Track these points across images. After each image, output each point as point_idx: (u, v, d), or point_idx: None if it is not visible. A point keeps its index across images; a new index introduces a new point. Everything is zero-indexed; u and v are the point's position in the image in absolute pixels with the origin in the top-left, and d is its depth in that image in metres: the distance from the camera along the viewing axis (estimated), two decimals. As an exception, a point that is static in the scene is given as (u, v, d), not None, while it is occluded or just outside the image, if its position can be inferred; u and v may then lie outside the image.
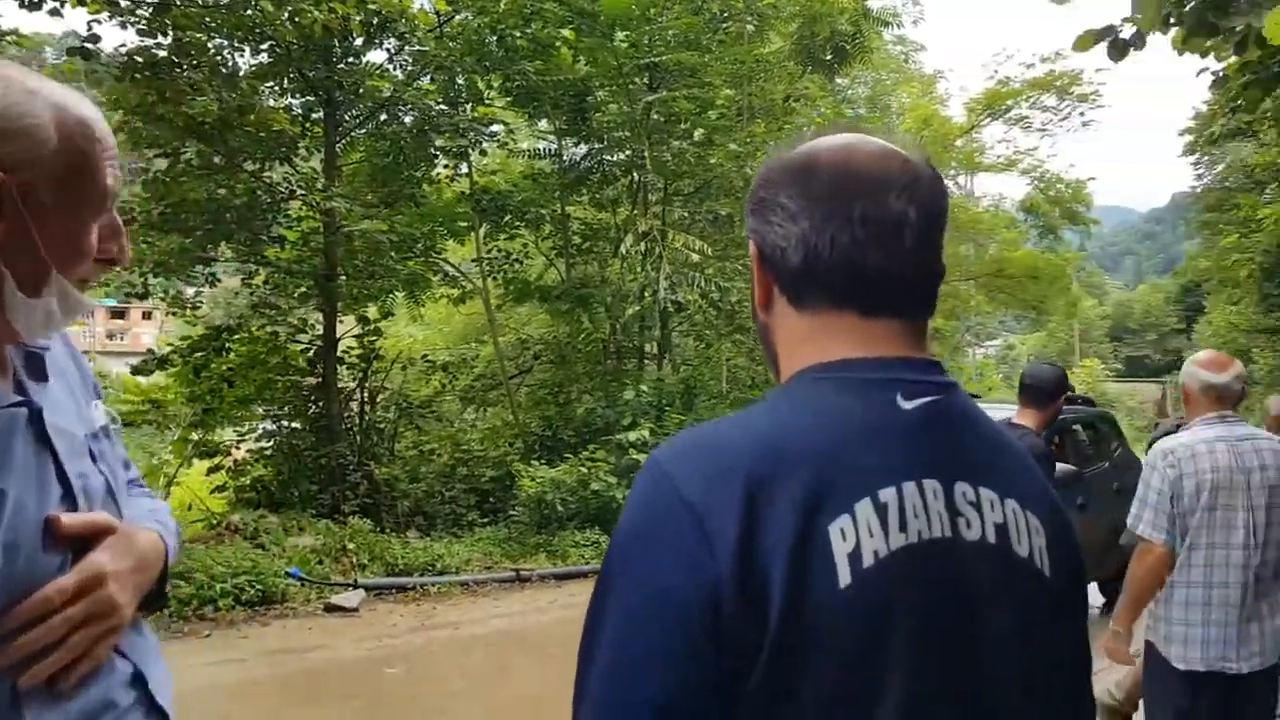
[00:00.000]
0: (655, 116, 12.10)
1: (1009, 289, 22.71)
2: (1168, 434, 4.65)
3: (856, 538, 0.79)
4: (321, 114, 10.92)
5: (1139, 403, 52.50)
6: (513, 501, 10.61)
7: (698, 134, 12.17)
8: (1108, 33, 4.29)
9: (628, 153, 12.49)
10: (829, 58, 16.49)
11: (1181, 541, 3.00)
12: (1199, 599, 2.97)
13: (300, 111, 10.94)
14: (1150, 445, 4.93)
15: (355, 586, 7.94)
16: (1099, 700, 3.81)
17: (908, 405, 0.87)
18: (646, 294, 11.80)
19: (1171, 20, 5.68)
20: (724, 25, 13.34)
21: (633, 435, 10.44)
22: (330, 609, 7.54)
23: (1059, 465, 5.15)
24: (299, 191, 9.96)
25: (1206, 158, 41.84)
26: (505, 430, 12.60)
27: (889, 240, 0.88)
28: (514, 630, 7.41)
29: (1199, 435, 3.08)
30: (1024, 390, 3.98)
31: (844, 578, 0.78)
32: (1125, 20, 4.31)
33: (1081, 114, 21.24)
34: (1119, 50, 4.41)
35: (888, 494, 0.82)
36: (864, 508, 0.80)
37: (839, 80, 19.58)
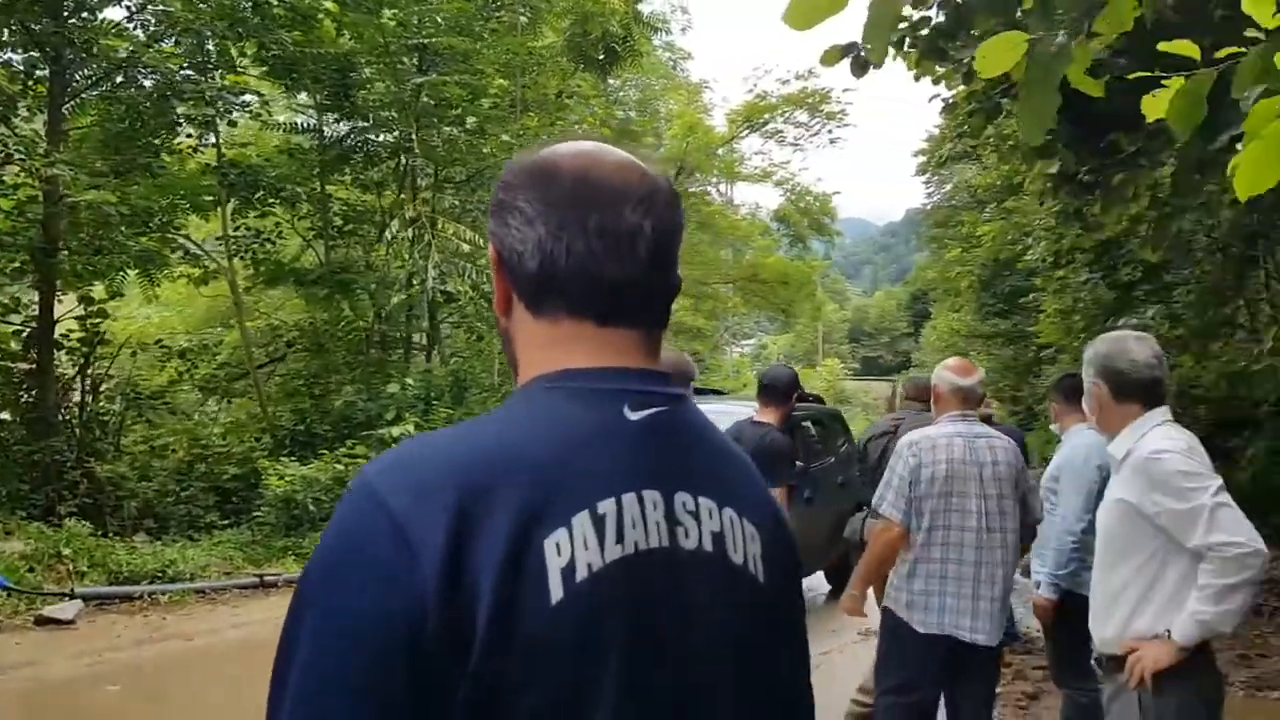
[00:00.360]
0: (425, 100, 11.68)
1: (762, 293, 24.11)
2: (884, 433, 5.00)
3: (571, 551, 0.77)
4: (47, 72, 9.87)
5: (873, 399, 57.34)
6: (258, 501, 9.89)
7: (470, 121, 11.88)
8: (851, 49, 4.51)
9: (395, 134, 11.98)
10: (601, 58, 16.68)
11: (920, 523, 3.34)
12: (938, 573, 3.33)
13: (21, 68, 9.90)
14: (864, 442, 5.30)
15: (71, 596, 7.09)
16: (848, 714, 4.31)
17: (634, 416, 0.86)
18: (415, 282, 11.39)
19: (907, 45, 6.17)
20: (497, 14, 13.12)
21: (396, 430, 10.04)
22: (42, 622, 6.73)
23: None
24: (17, 155, 8.90)
25: (936, 177, 46.20)
26: (251, 424, 11.75)
27: (624, 252, 0.88)
28: (255, 641, 6.85)
29: (942, 430, 3.47)
30: (763, 390, 4.36)
31: (555, 593, 0.76)
32: (864, 41, 4.58)
33: (830, 131, 22.82)
34: (860, 67, 4.71)
35: (606, 505, 0.81)
36: (581, 520, 0.79)
37: (611, 81, 19.89)
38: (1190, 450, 2.46)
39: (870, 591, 3.78)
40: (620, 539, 0.80)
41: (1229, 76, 2.02)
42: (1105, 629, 2.60)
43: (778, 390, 4.32)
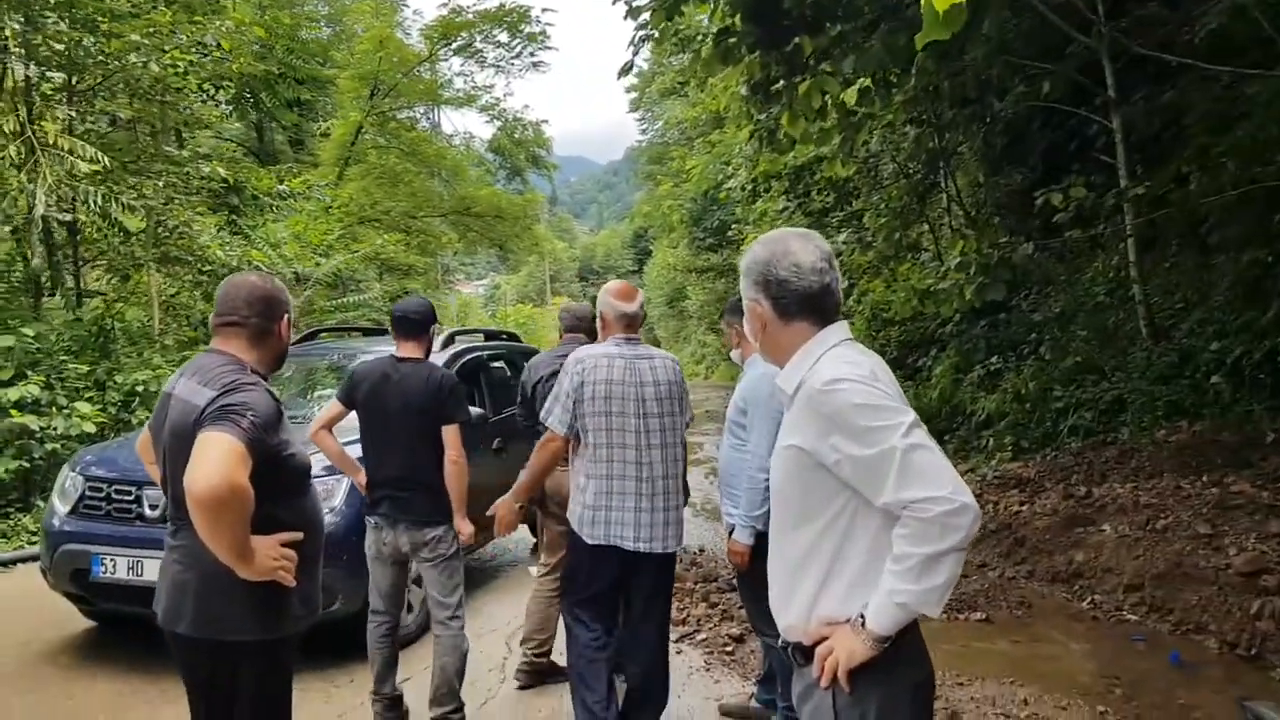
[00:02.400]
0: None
1: (478, 227, 22.86)
2: (552, 374, 4.35)
3: None
4: None
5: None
6: None
7: (79, 13, 9.58)
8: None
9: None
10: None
11: (586, 439, 3.50)
12: (604, 489, 3.48)
13: None
14: (530, 385, 4.60)
15: None
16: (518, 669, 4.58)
17: None
18: (18, 209, 9.17)
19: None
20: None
21: (14, 393, 7.98)
22: None
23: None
24: None
25: (649, 114, 47.07)
26: None
27: None
28: None
29: (606, 350, 3.58)
30: (397, 324, 4.01)
31: None
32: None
33: (532, 53, 21.73)
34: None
35: None
36: None
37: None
38: (873, 376, 1.81)
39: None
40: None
41: None
42: (787, 612, 1.92)
43: (414, 322, 4.00)
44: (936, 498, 1.65)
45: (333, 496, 4.65)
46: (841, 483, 1.78)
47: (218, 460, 2.09)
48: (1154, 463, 6.94)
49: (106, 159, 9.47)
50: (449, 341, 6.37)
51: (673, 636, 5.30)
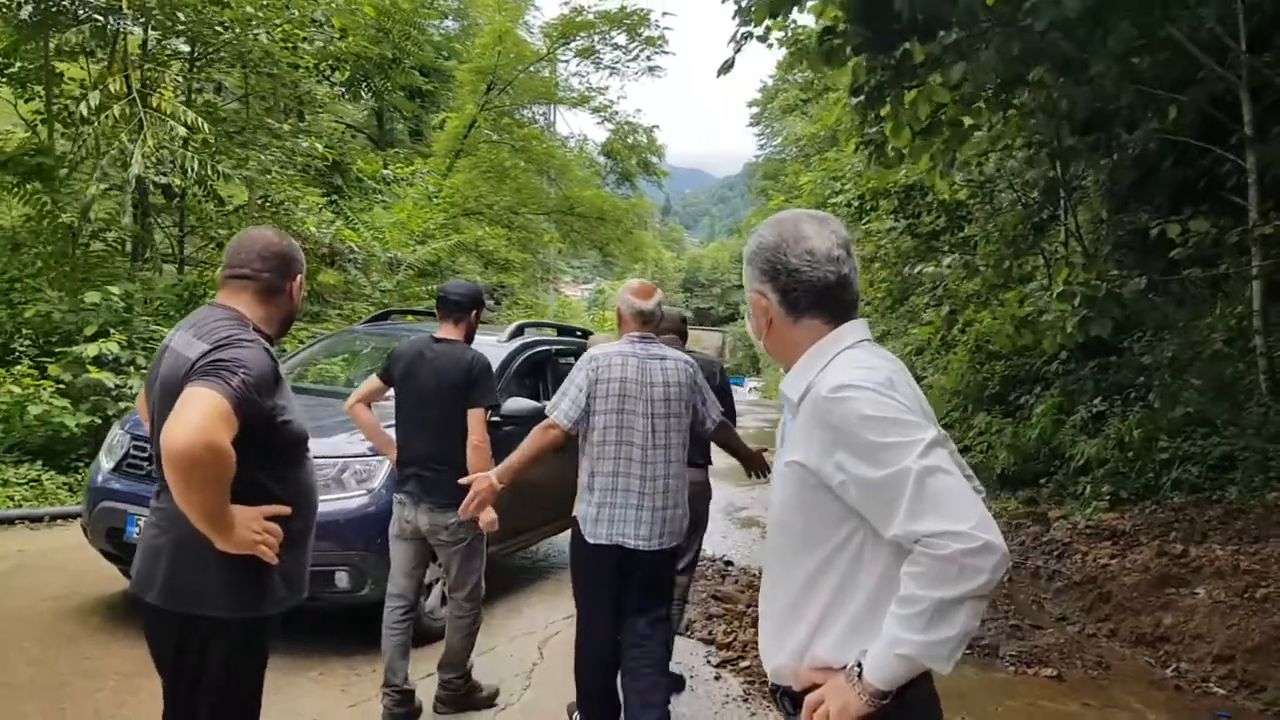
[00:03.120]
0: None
1: (581, 228, 22.97)
2: None
3: None
4: None
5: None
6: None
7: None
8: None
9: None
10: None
11: (593, 437, 3.51)
12: (609, 485, 3.50)
13: None
14: None
15: None
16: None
17: None
18: (116, 170, 9.51)
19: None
20: None
21: (93, 349, 8.33)
22: None
23: (525, 402, 4.99)
24: None
25: (769, 130, 46.68)
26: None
27: None
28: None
29: (620, 348, 3.59)
30: (440, 303, 4.05)
31: None
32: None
33: (649, 57, 21.68)
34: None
35: None
36: None
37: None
38: (889, 385, 1.57)
39: None
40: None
41: None
42: (778, 652, 1.69)
43: (454, 303, 4.01)
44: (956, 533, 1.39)
45: (373, 478, 4.62)
46: (847, 508, 1.56)
47: (198, 416, 1.93)
48: (1260, 527, 6.37)
49: (208, 128, 9.75)
50: (517, 333, 6.32)
51: (714, 660, 5.13)
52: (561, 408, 3.51)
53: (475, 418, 3.78)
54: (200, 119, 9.51)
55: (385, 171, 16.01)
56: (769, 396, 39.69)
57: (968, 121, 6.79)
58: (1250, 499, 6.82)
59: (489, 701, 4.24)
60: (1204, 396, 8.44)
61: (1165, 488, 7.93)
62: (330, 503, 4.46)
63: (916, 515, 1.42)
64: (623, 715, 3.60)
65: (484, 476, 3.47)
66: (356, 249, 12.01)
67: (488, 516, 3.69)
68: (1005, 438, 11.57)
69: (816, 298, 1.68)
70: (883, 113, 6.97)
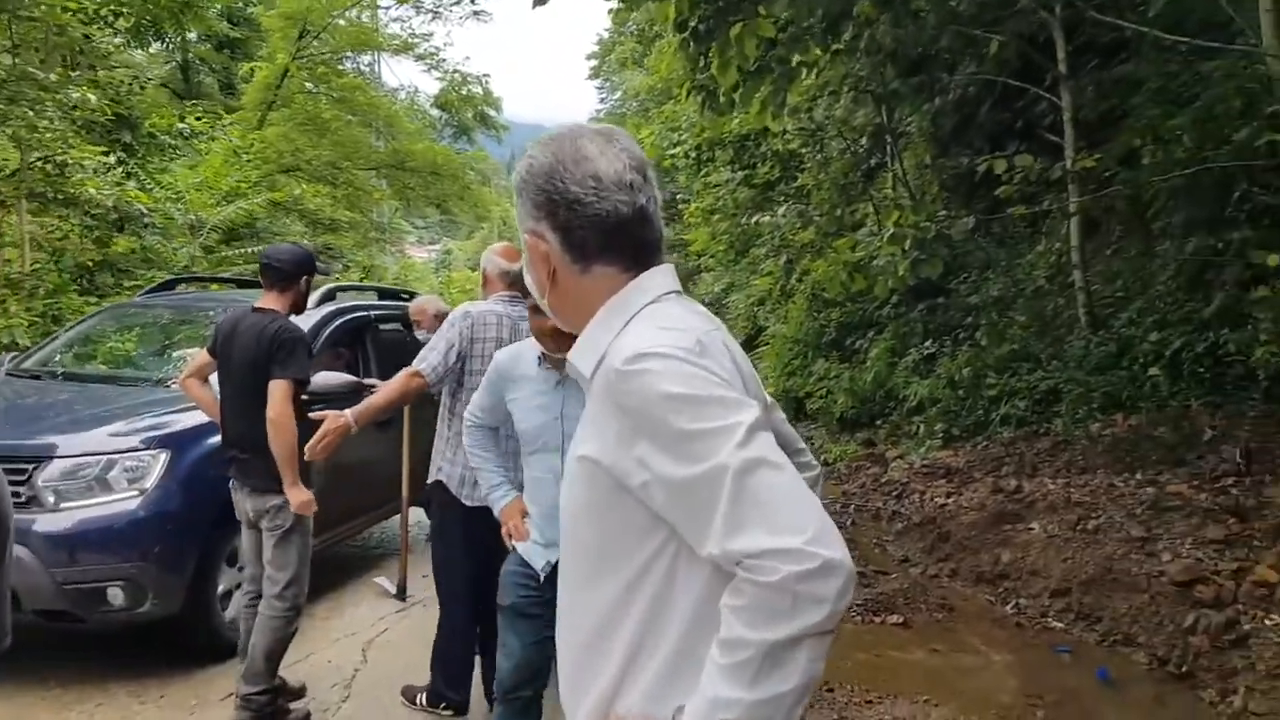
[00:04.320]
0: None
1: (415, 184, 21.79)
2: None
3: None
4: None
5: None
6: None
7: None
8: None
9: None
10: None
11: (464, 397, 3.36)
12: None
13: None
14: None
15: None
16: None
17: None
18: None
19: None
20: None
21: None
22: None
23: (337, 376, 4.37)
24: None
25: (608, 84, 46.09)
26: None
27: None
28: None
29: (492, 308, 3.53)
30: (264, 271, 3.70)
31: None
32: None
33: (473, 1, 20.69)
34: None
35: None
36: None
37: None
38: (700, 350, 1.16)
39: None
40: None
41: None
42: (577, 705, 1.28)
43: (276, 270, 3.65)
44: (787, 550, 1.01)
45: (147, 475, 3.96)
46: (656, 515, 1.16)
47: None
48: (1087, 457, 6.57)
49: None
50: (327, 297, 5.64)
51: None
52: (429, 360, 3.39)
53: (276, 389, 3.39)
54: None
55: (181, 126, 14.60)
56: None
57: (796, 59, 6.59)
58: (1075, 430, 7.03)
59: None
60: (1028, 332, 8.70)
61: (995, 423, 8.14)
62: (94, 508, 3.85)
63: (736, 528, 1.04)
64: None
65: (338, 415, 3.18)
66: (147, 211, 10.81)
67: (299, 497, 3.34)
68: (843, 382, 11.74)
69: (608, 237, 1.26)
70: (711, 54, 6.70)
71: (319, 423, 3.15)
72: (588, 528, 1.26)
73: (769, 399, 1.58)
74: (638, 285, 1.28)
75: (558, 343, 2.56)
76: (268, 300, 3.63)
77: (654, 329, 1.19)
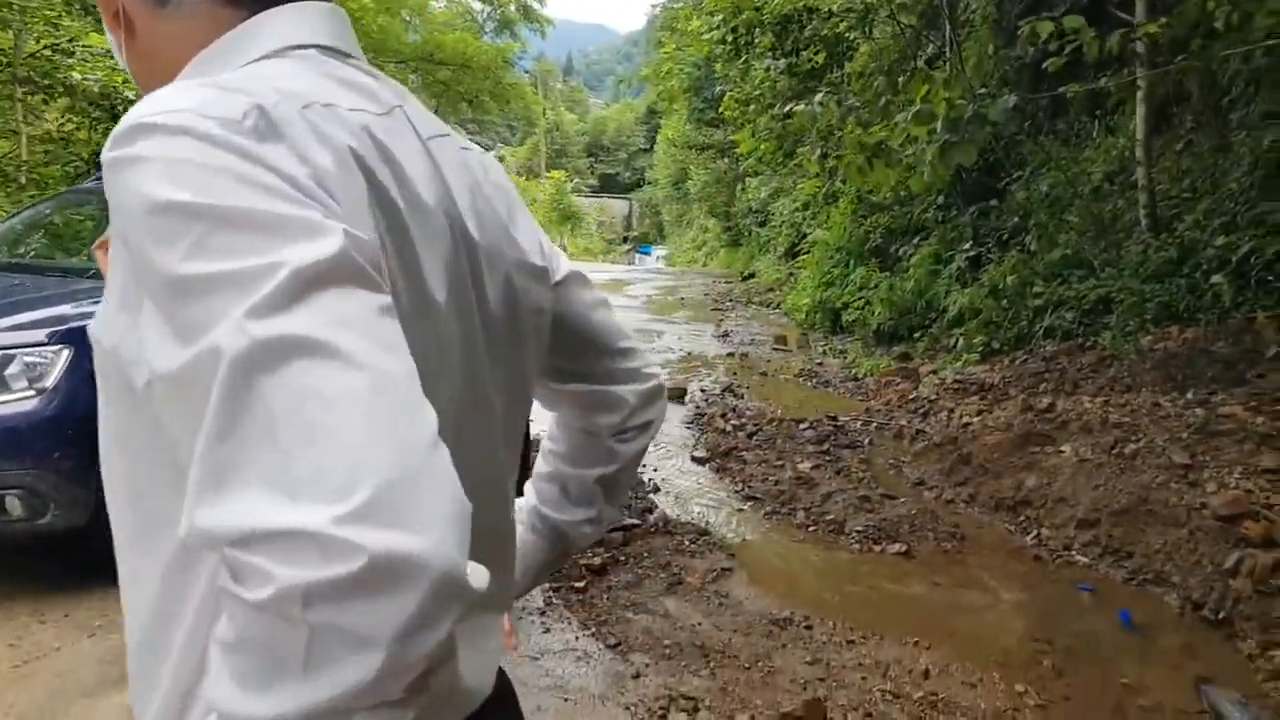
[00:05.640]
0: None
1: (447, 80, 20.99)
2: None
3: None
4: None
5: (609, 217, 56.16)
6: None
7: None
8: None
9: None
10: None
11: None
12: None
13: None
14: None
15: None
16: None
17: None
18: None
19: None
20: None
21: None
22: None
23: None
24: None
25: (667, -21, 43.97)
26: None
27: None
28: None
29: None
30: None
31: None
32: None
33: None
34: None
35: None
36: None
37: None
38: (263, 126, 0.61)
39: None
40: None
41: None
42: (147, 702, 0.74)
43: None
44: (294, 533, 0.48)
45: (48, 373, 3.56)
46: (164, 433, 0.64)
47: None
48: (1134, 374, 5.87)
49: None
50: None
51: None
52: None
53: None
54: None
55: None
56: (674, 263, 38.24)
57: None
58: (1124, 343, 6.32)
59: None
60: (1082, 236, 7.89)
61: (1038, 336, 7.44)
62: (-14, 409, 3.47)
63: (216, 480, 0.51)
64: None
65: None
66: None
67: None
68: (881, 292, 11.01)
69: None
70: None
71: None
72: (115, 456, 0.75)
73: (567, 268, 1.04)
74: (247, 30, 0.75)
75: None
76: None
77: (185, 88, 0.64)
